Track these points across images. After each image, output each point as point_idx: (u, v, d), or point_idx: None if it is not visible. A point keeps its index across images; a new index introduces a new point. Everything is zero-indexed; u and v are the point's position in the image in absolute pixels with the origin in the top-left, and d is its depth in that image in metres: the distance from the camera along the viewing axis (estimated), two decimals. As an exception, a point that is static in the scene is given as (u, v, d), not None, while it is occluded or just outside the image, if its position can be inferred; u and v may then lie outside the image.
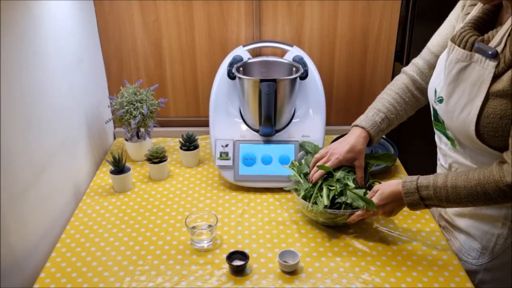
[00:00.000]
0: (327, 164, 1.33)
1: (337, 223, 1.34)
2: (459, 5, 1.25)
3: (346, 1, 1.73)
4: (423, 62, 1.35)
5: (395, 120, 1.37)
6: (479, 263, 1.24)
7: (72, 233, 1.35)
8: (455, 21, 1.25)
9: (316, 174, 1.34)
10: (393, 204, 1.22)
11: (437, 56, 1.30)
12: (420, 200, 1.15)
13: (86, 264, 1.23)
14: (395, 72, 1.90)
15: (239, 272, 1.20)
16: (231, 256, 1.22)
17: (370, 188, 1.33)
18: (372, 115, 1.35)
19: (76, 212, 1.45)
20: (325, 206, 1.28)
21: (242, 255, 1.22)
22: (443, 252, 1.27)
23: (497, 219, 1.18)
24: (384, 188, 1.23)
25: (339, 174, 1.32)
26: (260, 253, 1.27)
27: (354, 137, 1.34)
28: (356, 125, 1.36)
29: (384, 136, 1.82)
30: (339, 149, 1.34)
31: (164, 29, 1.78)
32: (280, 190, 1.55)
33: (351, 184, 1.30)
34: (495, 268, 1.22)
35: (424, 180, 1.15)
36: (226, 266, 1.22)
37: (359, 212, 1.27)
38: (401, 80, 1.39)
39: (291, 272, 1.20)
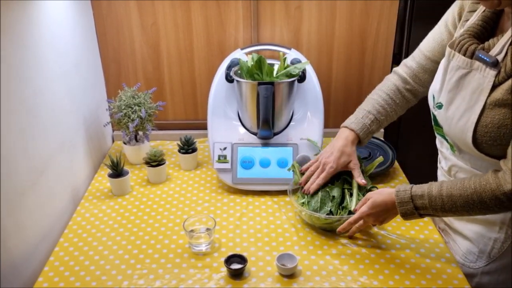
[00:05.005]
0: (323, 174, 1.34)
1: (334, 228, 1.34)
2: (452, 10, 1.24)
3: (343, 2, 1.73)
4: (417, 65, 1.34)
5: (385, 121, 1.38)
6: (477, 267, 1.24)
7: (70, 237, 1.35)
8: (451, 26, 1.24)
9: (313, 185, 1.34)
10: (385, 212, 1.21)
11: (432, 61, 1.30)
12: (415, 210, 1.14)
13: (84, 268, 1.23)
14: (393, 74, 1.90)
15: (237, 275, 1.20)
16: (229, 260, 1.22)
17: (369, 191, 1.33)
18: (361, 117, 1.36)
19: (74, 215, 1.45)
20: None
21: (240, 258, 1.22)
22: (441, 255, 1.27)
23: (494, 223, 1.18)
24: (376, 197, 1.22)
25: (336, 191, 1.35)
26: (258, 256, 1.27)
27: (342, 141, 1.35)
28: (345, 127, 1.37)
29: (382, 139, 1.82)
30: (331, 157, 1.34)
31: (162, 32, 1.78)
32: (278, 193, 1.55)
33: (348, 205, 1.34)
34: (492, 271, 1.22)
35: (418, 189, 1.14)
36: (224, 269, 1.21)
37: (348, 220, 1.27)
38: (392, 81, 1.39)
39: (289, 275, 1.20)
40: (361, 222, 1.27)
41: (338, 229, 1.30)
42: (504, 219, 1.17)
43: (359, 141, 1.36)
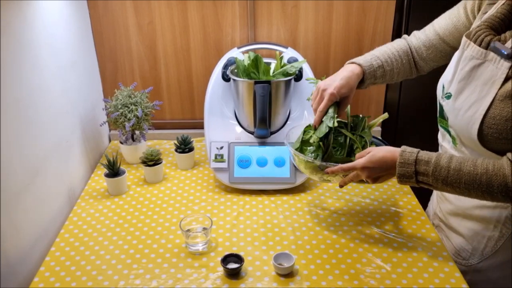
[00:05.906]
0: (323, 103, 1.24)
1: (326, 180, 1.30)
2: None
3: (340, 2, 1.73)
4: (425, 37, 1.31)
5: (388, 74, 1.31)
6: (469, 264, 1.24)
7: (66, 237, 1.34)
8: (469, 11, 1.21)
9: (315, 118, 1.27)
10: (382, 170, 1.15)
11: (440, 38, 1.27)
12: (414, 174, 1.09)
13: (80, 268, 1.23)
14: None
15: (234, 275, 1.20)
16: (226, 259, 1.22)
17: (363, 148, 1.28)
18: (370, 58, 1.30)
19: (70, 215, 1.44)
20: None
21: (237, 258, 1.22)
22: (438, 254, 1.27)
23: (490, 221, 1.18)
24: (376, 152, 1.15)
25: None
26: (255, 255, 1.27)
27: (347, 72, 1.26)
28: (352, 62, 1.31)
29: (379, 137, 1.82)
30: (333, 84, 1.24)
31: (159, 32, 1.77)
32: (275, 192, 1.54)
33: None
34: (484, 269, 1.22)
35: (425, 154, 1.09)
36: (221, 269, 1.21)
37: (341, 166, 1.20)
38: (403, 43, 1.35)
39: (286, 274, 1.20)
40: (354, 173, 1.20)
41: (326, 170, 1.23)
42: (500, 217, 1.17)
43: (362, 80, 1.29)
